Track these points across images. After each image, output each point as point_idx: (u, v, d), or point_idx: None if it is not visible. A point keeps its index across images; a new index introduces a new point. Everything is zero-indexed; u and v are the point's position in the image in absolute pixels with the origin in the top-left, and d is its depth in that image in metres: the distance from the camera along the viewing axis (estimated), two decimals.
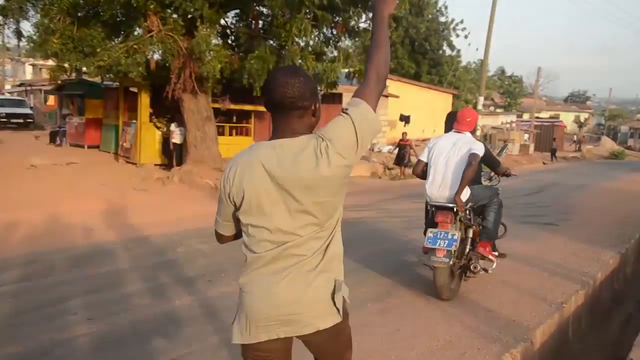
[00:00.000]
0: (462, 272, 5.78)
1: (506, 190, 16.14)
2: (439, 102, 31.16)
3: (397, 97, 25.45)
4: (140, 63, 12.65)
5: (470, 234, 5.70)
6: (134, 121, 16.56)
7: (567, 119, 64.02)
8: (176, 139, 15.66)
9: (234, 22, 14.93)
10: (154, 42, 12.67)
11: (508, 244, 8.35)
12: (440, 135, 5.96)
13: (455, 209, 5.36)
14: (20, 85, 39.44)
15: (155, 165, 16.44)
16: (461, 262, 5.60)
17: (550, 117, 58.05)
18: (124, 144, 17.25)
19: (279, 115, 2.13)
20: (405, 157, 19.62)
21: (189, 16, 12.99)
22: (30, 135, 24.10)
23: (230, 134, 17.55)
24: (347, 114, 2.13)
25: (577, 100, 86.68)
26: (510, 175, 6.49)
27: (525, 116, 56.43)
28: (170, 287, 5.54)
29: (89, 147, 19.30)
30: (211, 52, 12.83)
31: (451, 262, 5.25)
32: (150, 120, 16.45)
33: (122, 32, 13.12)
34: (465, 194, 5.41)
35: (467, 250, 5.66)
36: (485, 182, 6.34)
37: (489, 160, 6.00)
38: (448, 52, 39.62)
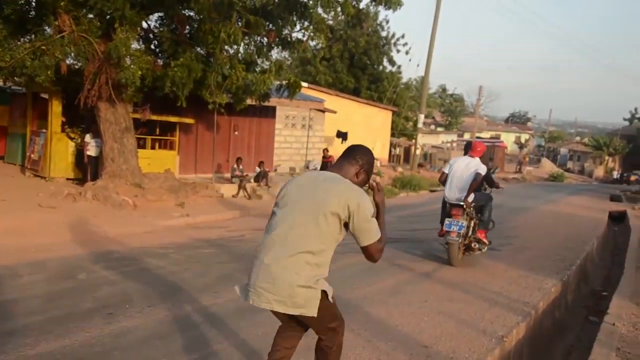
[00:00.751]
0: (465, 250, 8.79)
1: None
2: (379, 118, 31.38)
3: (334, 112, 25.36)
4: (48, 66, 11.91)
5: (472, 224, 8.75)
6: (44, 130, 15.68)
7: (508, 139, 66.15)
8: (91, 151, 14.89)
9: (157, 25, 14.40)
10: (65, 43, 11.97)
11: (446, 271, 8.23)
12: (457, 156, 9.52)
13: (464, 206, 8.44)
14: None
15: (68, 179, 15.61)
16: (466, 241, 8.66)
17: (492, 137, 59.74)
18: (32, 156, 16.30)
19: (343, 160, 3.37)
20: None
21: (107, 17, 12.40)
22: None
23: (153, 147, 16.89)
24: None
25: (517, 121, 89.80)
26: (499, 188, 9.99)
27: (467, 136, 57.87)
28: (61, 321, 5.00)
29: None
30: (131, 58, 12.26)
31: (460, 241, 8.41)
32: (63, 130, 15.62)
33: (29, 31, 12.34)
34: (471, 197, 8.55)
35: (470, 234, 8.71)
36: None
37: (487, 178, 9.21)
38: (389, 67, 40.10)
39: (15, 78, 13.02)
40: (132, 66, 12.07)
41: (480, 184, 8.89)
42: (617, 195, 27.97)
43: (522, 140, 69.24)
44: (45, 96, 15.78)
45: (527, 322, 6.14)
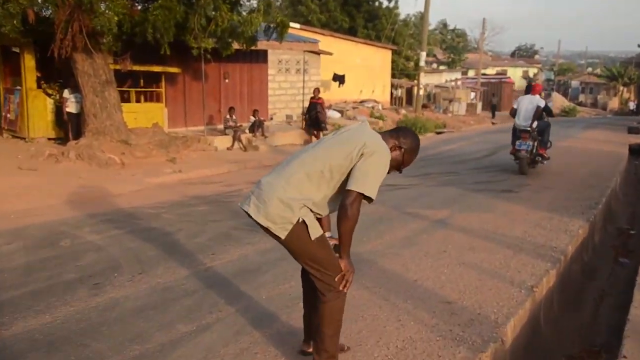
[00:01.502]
0: (531, 163, 11.96)
1: (455, 154, 15.96)
2: (377, 59, 30.59)
3: (330, 54, 24.63)
4: (13, 14, 11.29)
5: (535, 144, 11.84)
6: (18, 88, 15.15)
7: (515, 74, 65.08)
8: (71, 107, 14.38)
9: None
10: None
11: (462, 217, 7.90)
12: (523, 96, 12.50)
13: (530, 131, 11.52)
14: None
15: (49, 139, 15.15)
16: (531, 157, 11.80)
17: (497, 74, 58.86)
18: (8, 115, 15.81)
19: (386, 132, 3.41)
20: (320, 118, 17.83)
21: None
22: None
23: (138, 101, 16.36)
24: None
25: (524, 54, 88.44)
26: (553, 116, 13.34)
27: (471, 73, 57.04)
28: (41, 296, 4.66)
29: None
30: (105, 2, 11.67)
31: (527, 156, 11.67)
32: (39, 87, 15.08)
33: None
34: (535, 124, 11.66)
35: (534, 151, 11.87)
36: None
37: (546, 109, 11.96)
38: (385, 3, 39.01)
39: None
40: (107, 11, 11.50)
41: (541, 114, 11.79)
42: (635, 127, 27.45)
43: (530, 75, 68.18)
44: (17, 50, 15.19)
45: (556, 268, 5.83)
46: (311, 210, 3.13)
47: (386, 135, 3.34)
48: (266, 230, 3.12)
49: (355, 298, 4.68)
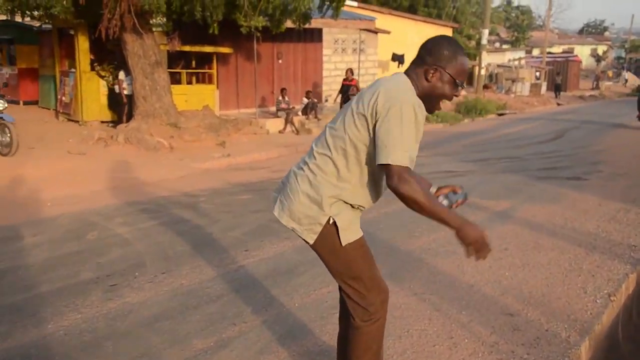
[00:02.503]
0: None
1: (517, 137, 14.98)
2: (433, 32, 29.47)
3: (388, 32, 23.72)
4: None
5: None
6: (73, 70, 15.01)
7: (583, 53, 62.19)
8: (126, 89, 14.17)
9: None
10: None
11: (527, 208, 7.13)
12: None
13: None
14: None
15: (103, 122, 15.00)
16: None
17: (564, 52, 56.27)
18: (63, 98, 15.71)
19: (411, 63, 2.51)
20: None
21: None
22: None
23: (190, 82, 15.99)
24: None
25: (593, 31, 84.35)
26: None
27: (536, 52, 54.74)
28: (50, 300, 4.20)
29: (25, 103, 17.73)
30: None
31: None
32: (93, 69, 14.90)
33: None
34: None
35: None
36: None
37: None
38: None
39: (27, 12, 12.22)
40: None
41: None
42: None
43: (600, 53, 65.02)
44: (72, 32, 15.04)
45: (637, 272, 5.04)
46: (349, 203, 2.45)
47: (411, 67, 2.47)
48: (294, 231, 2.53)
49: (400, 307, 4.06)
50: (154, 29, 14.46)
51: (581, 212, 6.99)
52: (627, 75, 53.83)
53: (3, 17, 16.15)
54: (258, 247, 5.38)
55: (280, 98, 16.00)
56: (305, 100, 16.46)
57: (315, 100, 16.96)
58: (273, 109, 16.86)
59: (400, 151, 2.22)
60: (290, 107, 15.90)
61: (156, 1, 10.96)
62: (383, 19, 25.09)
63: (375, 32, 22.97)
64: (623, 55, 71.23)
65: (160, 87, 13.26)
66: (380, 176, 2.47)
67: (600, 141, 14.09)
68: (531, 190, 8.27)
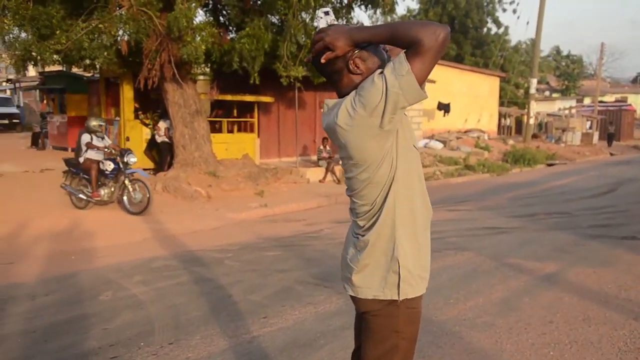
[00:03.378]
0: None
1: (567, 190, 14.28)
2: (484, 86, 28.99)
3: (433, 82, 23.40)
4: (106, 46, 11.14)
5: None
6: (118, 118, 15.14)
7: (637, 102, 60.43)
8: (166, 137, 14.16)
9: None
10: (124, 20, 11.11)
11: (576, 272, 6.53)
12: None
13: None
14: (8, 81, 37.68)
15: (145, 169, 14.97)
16: None
17: (617, 101, 54.88)
18: None
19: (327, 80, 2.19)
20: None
21: None
22: (16, 138, 23.10)
23: (231, 131, 15.93)
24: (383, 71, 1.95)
25: None
26: None
27: (587, 100, 53.51)
28: None
29: (73, 150, 17.96)
30: (193, 30, 11.25)
31: None
32: (136, 117, 14.99)
33: (85, 9, 11.57)
34: None
35: None
36: None
37: None
38: (494, 29, 37.31)
39: (73, 63, 12.37)
40: (194, 40, 11.07)
41: None
42: None
43: None
44: (118, 81, 15.23)
45: None
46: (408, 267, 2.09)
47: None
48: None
49: None
50: (198, 78, 14.52)
51: (637, 277, 6.34)
52: None
53: (57, 68, 16.51)
54: (278, 314, 4.96)
55: (322, 147, 15.74)
56: None
57: None
58: (314, 158, 16.60)
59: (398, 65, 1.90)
60: (332, 156, 15.61)
61: (194, 52, 10.94)
62: None
63: None
64: None
65: (200, 136, 13.18)
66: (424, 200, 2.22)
67: None
68: (581, 250, 7.64)
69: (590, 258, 7.21)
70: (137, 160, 14.57)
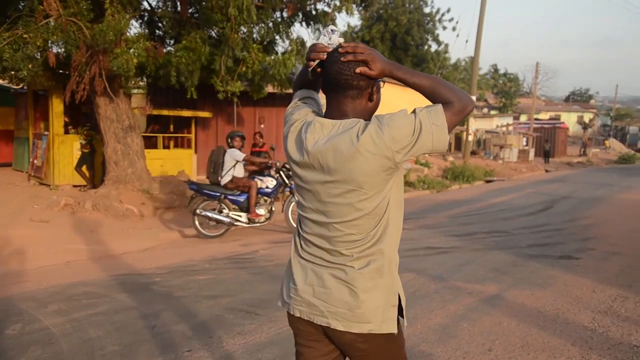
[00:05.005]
0: None
1: (505, 207, 14.38)
2: (425, 103, 29.07)
3: None
4: (31, 57, 10.56)
5: None
6: (47, 133, 14.46)
7: (570, 119, 62.74)
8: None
9: (159, 5, 12.88)
10: (51, 30, 10.57)
11: (512, 295, 6.42)
12: None
13: None
14: None
15: (75, 186, 14.32)
16: None
17: (551, 119, 56.69)
18: (35, 162, 15.07)
19: (332, 94, 2.13)
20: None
21: None
22: None
23: (167, 147, 15.46)
24: (415, 111, 2.05)
25: (579, 99, 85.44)
26: None
27: (523, 118, 55.05)
28: None
29: (0, 165, 17.11)
30: (126, 43, 10.81)
31: None
32: (67, 132, 14.35)
33: (8, 18, 10.97)
34: None
35: None
36: None
37: None
38: (434, 47, 37.89)
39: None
40: (126, 53, 10.62)
41: None
42: None
43: (586, 120, 65.48)
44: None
45: None
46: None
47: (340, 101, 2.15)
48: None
49: None
50: (133, 92, 14.04)
51: (574, 300, 6.28)
52: (610, 141, 54.21)
53: None
54: (203, 346, 4.61)
55: None
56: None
57: None
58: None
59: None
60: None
61: (125, 65, 10.48)
62: None
63: None
64: (609, 122, 71.94)
65: (133, 152, 12.68)
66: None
67: (591, 213, 13.49)
68: (520, 272, 7.56)
69: (529, 279, 7.14)
70: (65, 175, 14.14)
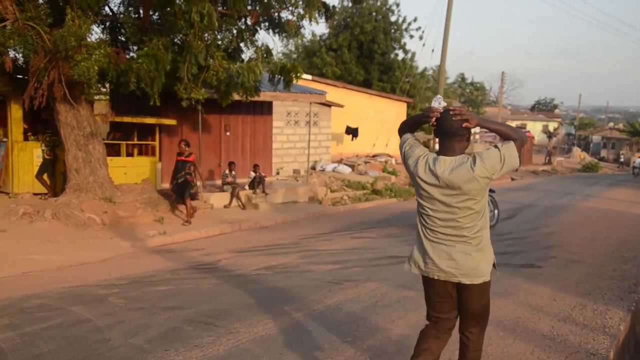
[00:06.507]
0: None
1: None
2: (391, 112, 29.38)
3: (341, 106, 23.52)
4: None
5: None
6: (5, 139, 14.14)
7: (535, 128, 63.80)
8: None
9: (121, 10, 12.72)
10: (8, 34, 10.34)
11: None
12: None
13: None
14: None
15: (35, 194, 14.02)
16: None
17: (517, 127, 57.50)
18: None
19: (445, 138, 3.52)
20: (190, 185, 12.56)
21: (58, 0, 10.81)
22: None
23: (130, 154, 15.22)
24: (498, 147, 3.44)
25: (544, 108, 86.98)
26: None
27: None
28: None
29: None
30: (87, 49, 10.63)
31: None
32: (26, 139, 14.05)
33: None
34: None
35: None
36: None
37: None
38: (402, 55, 38.16)
39: None
40: (87, 60, 10.45)
41: None
42: None
43: (551, 129, 66.66)
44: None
45: None
46: None
47: (458, 143, 3.52)
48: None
49: None
50: (95, 99, 13.82)
51: (534, 309, 6.35)
52: (574, 149, 55.30)
53: None
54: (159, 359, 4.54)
55: (227, 172, 15.31)
56: (253, 174, 15.79)
57: (264, 174, 16.30)
58: (219, 182, 16.13)
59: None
60: (236, 181, 15.21)
61: (87, 72, 10.31)
62: (338, 93, 24.98)
63: (329, 105, 22.74)
64: (573, 131, 73.37)
65: (95, 160, 12.45)
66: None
67: (554, 222, 13.70)
68: None
69: (491, 288, 7.17)
70: (24, 183, 13.85)
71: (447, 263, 3.47)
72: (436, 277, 3.55)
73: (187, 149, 12.72)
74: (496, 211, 12.71)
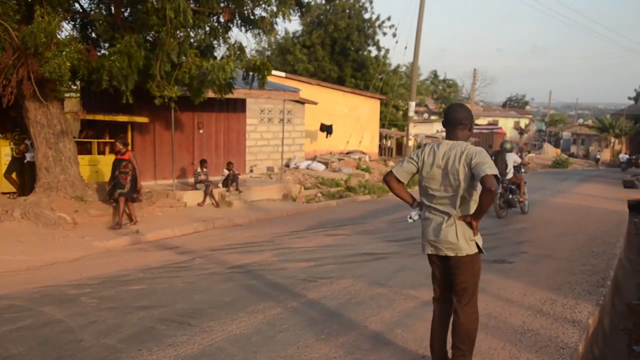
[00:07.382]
0: None
1: None
2: (365, 109, 29.48)
3: (315, 103, 23.54)
4: None
5: None
6: None
7: (507, 125, 64.46)
8: (29, 158, 13.13)
9: (92, 7, 12.56)
10: None
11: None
12: None
13: None
14: None
15: (4, 194, 13.79)
16: None
17: (489, 124, 58.13)
18: None
19: (451, 128, 4.27)
20: (121, 185, 11.75)
21: None
22: None
23: (102, 152, 15.05)
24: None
25: (515, 105, 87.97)
26: None
27: None
28: None
29: None
30: (57, 46, 10.49)
31: None
32: None
33: None
34: None
35: None
36: None
37: None
38: (375, 52, 38.30)
39: None
40: (58, 57, 10.31)
41: None
42: (630, 180, 26.35)
43: (522, 126, 67.51)
44: None
45: None
46: None
47: (460, 132, 4.25)
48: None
49: None
50: (66, 96, 13.64)
51: (506, 303, 6.45)
52: (545, 145, 56.09)
53: None
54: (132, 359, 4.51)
55: (200, 170, 15.23)
56: (226, 172, 15.73)
57: (237, 172, 16.23)
58: (192, 180, 16.04)
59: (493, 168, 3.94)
60: (209, 179, 15.13)
61: (58, 69, 10.17)
62: (312, 90, 24.98)
63: (302, 102, 22.74)
64: (543, 128, 74.38)
65: (66, 158, 12.30)
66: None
67: (525, 217, 13.88)
68: None
69: None
70: None
71: (435, 238, 4.11)
72: (428, 252, 4.24)
73: (123, 148, 12.15)
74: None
